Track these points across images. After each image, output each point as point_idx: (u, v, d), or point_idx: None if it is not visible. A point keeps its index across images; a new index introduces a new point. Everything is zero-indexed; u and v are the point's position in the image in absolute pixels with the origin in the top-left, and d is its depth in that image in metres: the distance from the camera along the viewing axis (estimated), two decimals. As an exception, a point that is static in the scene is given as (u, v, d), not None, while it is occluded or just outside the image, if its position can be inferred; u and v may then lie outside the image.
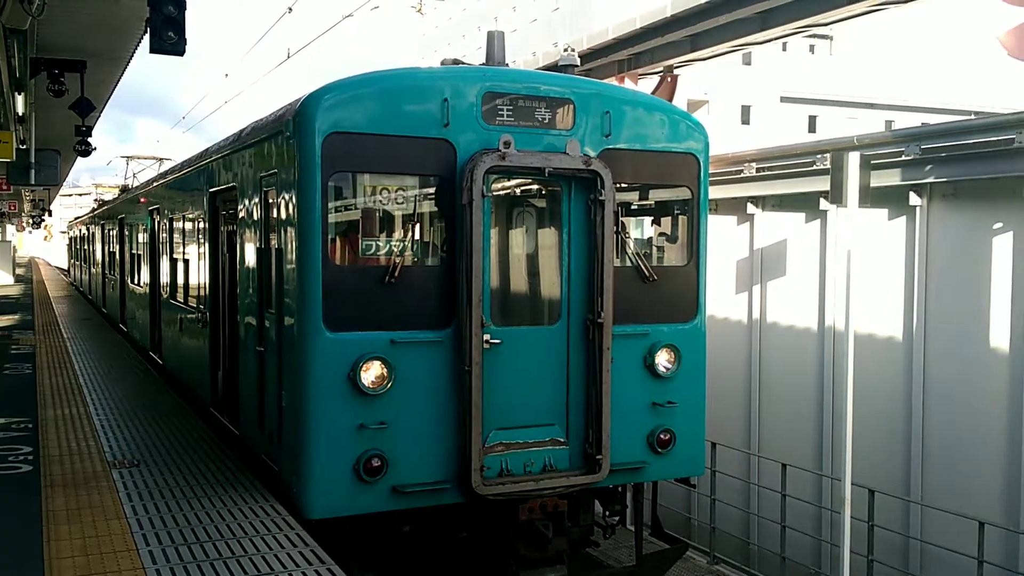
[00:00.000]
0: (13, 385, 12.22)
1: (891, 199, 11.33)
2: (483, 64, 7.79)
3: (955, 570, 10.17)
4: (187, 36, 8.63)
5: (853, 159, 9.11)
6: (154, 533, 6.36)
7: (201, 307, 10.44)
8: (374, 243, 7.18)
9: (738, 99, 50.80)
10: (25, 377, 12.84)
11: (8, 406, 10.67)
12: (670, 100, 20.85)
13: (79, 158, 17.77)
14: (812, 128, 52.88)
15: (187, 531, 6.41)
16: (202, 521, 6.64)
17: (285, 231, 7.11)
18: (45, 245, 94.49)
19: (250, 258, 8.24)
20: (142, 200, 16.17)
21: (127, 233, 18.52)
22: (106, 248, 23.12)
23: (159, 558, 5.89)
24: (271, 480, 7.55)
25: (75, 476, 7.78)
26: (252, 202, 8.13)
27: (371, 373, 6.71)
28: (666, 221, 8.47)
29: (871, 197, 9.28)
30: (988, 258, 10.58)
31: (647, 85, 23.76)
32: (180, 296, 11.96)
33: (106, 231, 23.13)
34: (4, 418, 9.99)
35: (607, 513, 8.40)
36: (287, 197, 7.02)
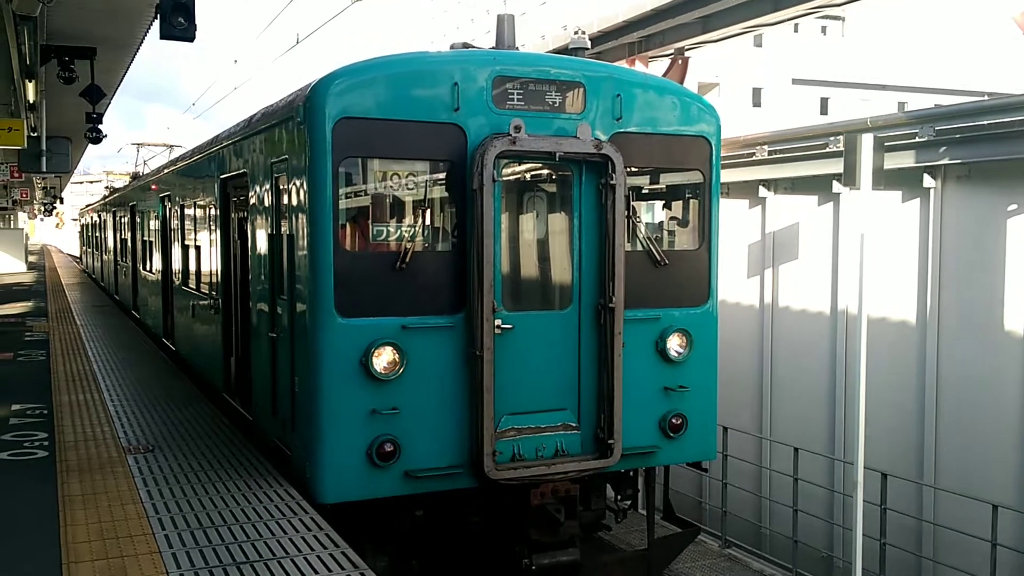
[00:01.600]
0: (28, 372, 12.29)
1: (905, 181, 11.25)
2: (493, 48, 7.75)
3: (968, 553, 10.15)
4: (197, 22, 8.61)
5: (866, 141, 9.04)
6: (169, 517, 6.40)
7: (213, 293, 10.47)
8: (385, 229, 7.18)
9: (749, 81, 50.44)
10: (39, 364, 12.91)
11: (23, 392, 10.74)
12: (681, 83, 20.72)
13: (90, 145, 17.80)
14: (824, 110, 52.46)
15: (202, 515, 6.46)
16: (217, 505, 6.68)
17: (296, 217, 7.11)
18: (57, 232, 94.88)
19: (261, 244, 8.25)
20: (153, 187, 16.19)
21: (138, 220, 18.57)
22: (117, 235, 23.18)
23: (175, 542, 5.93)
24: (284, 465, 7.59)
25: (90, 461, 7.83)
26: (263, 188, 8.13)
27: (383, 358, 6.73)
28: (677, 205, 8.43)
29: (884, 179, 9.22)
30: (1003, 240, 10.51)
31: (658, 68, 23.64)
32: (192, 283, 12.00)
33: (117, 218, 23.19)
34: (19, 404, 10.06)
35: (619, 497, 8.41)
36: (298, 183, 7.02)
